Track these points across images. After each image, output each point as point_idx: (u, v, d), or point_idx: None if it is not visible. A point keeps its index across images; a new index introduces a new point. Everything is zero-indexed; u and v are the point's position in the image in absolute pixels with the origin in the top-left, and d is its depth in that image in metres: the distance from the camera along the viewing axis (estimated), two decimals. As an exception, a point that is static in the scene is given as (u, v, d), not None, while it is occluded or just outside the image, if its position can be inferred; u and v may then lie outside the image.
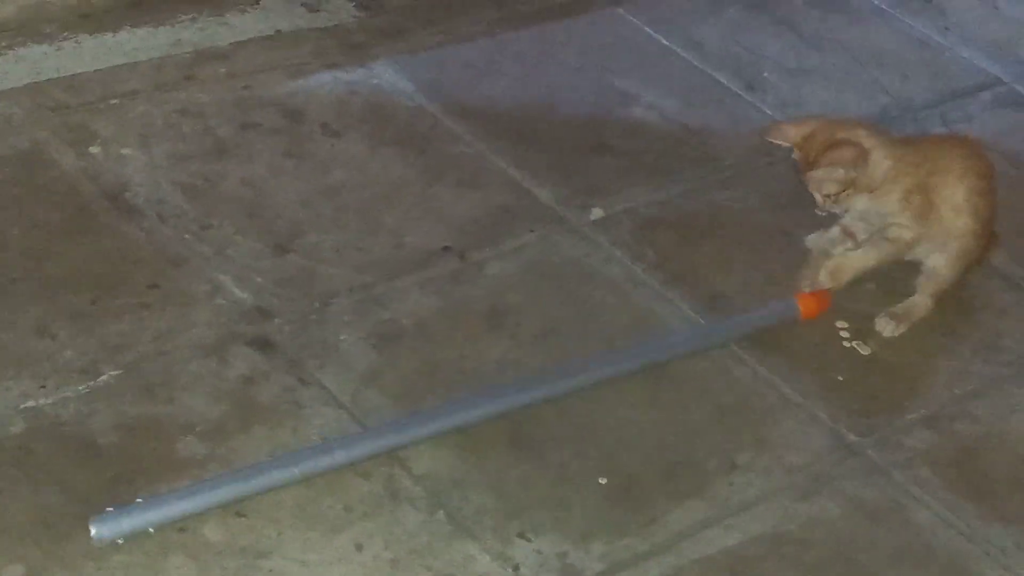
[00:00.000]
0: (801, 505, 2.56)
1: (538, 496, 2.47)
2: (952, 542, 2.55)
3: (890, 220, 2.91)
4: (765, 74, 3.68)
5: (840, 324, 2.96)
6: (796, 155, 2.88)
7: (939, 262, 2.96)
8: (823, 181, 2.84)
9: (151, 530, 2.25)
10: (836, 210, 2.91)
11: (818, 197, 2.88)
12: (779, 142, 2.90)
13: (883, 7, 4.10)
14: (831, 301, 2.94)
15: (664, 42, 3.74)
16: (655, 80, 3.60)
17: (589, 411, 2.65)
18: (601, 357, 2.75)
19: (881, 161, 2.86)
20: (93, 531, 2.20)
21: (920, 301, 2.98)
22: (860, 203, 2.88)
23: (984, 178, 2.95)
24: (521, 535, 2.39)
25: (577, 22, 3.76)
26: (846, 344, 2.92)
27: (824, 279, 2.93)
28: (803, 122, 2.91)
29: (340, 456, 2.41)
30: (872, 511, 2.58)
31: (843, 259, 2.94)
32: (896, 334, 2.94)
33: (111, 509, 2.25)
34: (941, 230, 2.92)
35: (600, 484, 2.51)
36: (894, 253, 2.94)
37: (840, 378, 2.83)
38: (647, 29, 3.78)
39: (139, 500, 2.28)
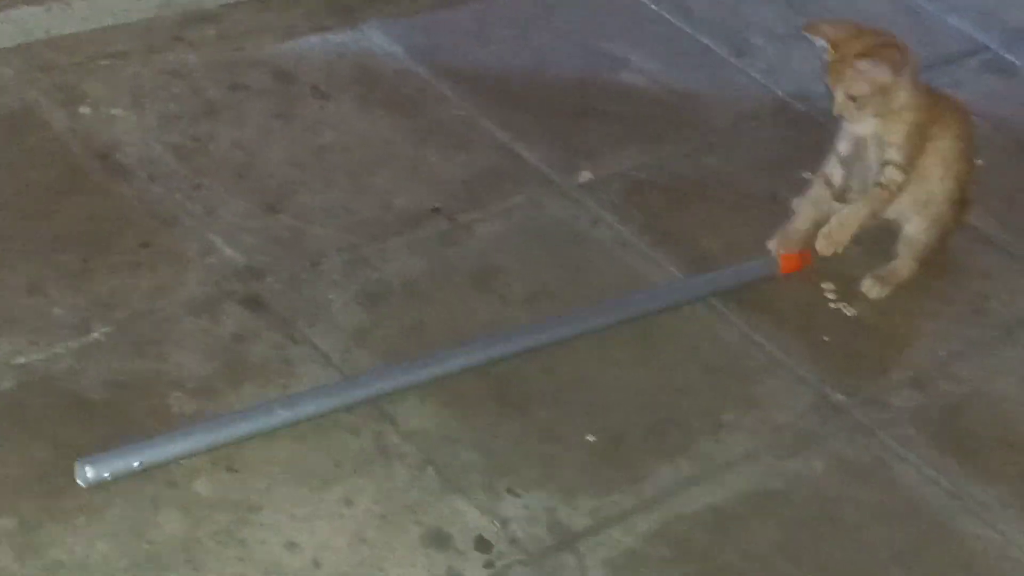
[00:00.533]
0: (786, 463, 2.59)
1: (526, 453, 2.49)
2: (936, 499, 2.58)
3: (886, 157, 2.87)
4: (753, 40, 3.69)
5: (826, 286, 2.98)
6: (828, 55, 2.81)
7: (918, 227, 2.97)
8: (858, 78, 2.77)
9: (136, 464, 2.27)
10: (848, 118, 2.84)
11: (840, 97, 2.80)
12: (816, 37, 2.83)
13: (871, -27, 4.11)
14: (812, 259, 2.96)
15: (653, 7, 3.75)
16: (643, 45, 3.61)
17: (577, 370, 2.67)
18: (582, 311, 2.78)
19: (903, 86, 2.83)
20: (79, 473, 2.24)
21: (903, 264, 3.01)
22: (868, 125, 2.85)
23: (970, 144, 2.97)
24: (510, 491, 2.41)
25: (567, -14, 3.77)
26: (832, 306, 2.94)
27: (822, 247, 2.89)
28: (842, 24, 2.87)
29: (325, 403, 2.44)
30: (857, 469, 2.61)
31: (837, 222, 2.89)
32: (882, 296, 2.96)
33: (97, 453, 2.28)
34: (923, 189, 2.92)
35: (588, 441, 2.54)
36: (886, 200, 2.89)
37: (826, 339, 2.86)
38: (636, -6, 3.79)
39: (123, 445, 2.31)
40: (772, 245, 2.98)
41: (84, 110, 2.96)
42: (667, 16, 3.73)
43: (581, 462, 2.50)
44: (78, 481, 2.25)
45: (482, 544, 2.32)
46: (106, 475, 2.26)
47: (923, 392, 2.79)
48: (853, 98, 2.80)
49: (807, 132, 3.33)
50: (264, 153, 2.97)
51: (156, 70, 3.11)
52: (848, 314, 2.93)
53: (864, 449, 2.65)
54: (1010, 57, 3.86)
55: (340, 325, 2.64)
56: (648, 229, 3.03)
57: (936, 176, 2.93)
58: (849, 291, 2.97)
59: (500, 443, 2.50)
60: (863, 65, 2.77)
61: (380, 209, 2.91)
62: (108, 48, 3.15)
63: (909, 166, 2.88)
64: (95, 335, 2.50)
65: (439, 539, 2.31)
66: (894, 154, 2.87)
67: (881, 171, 2.88)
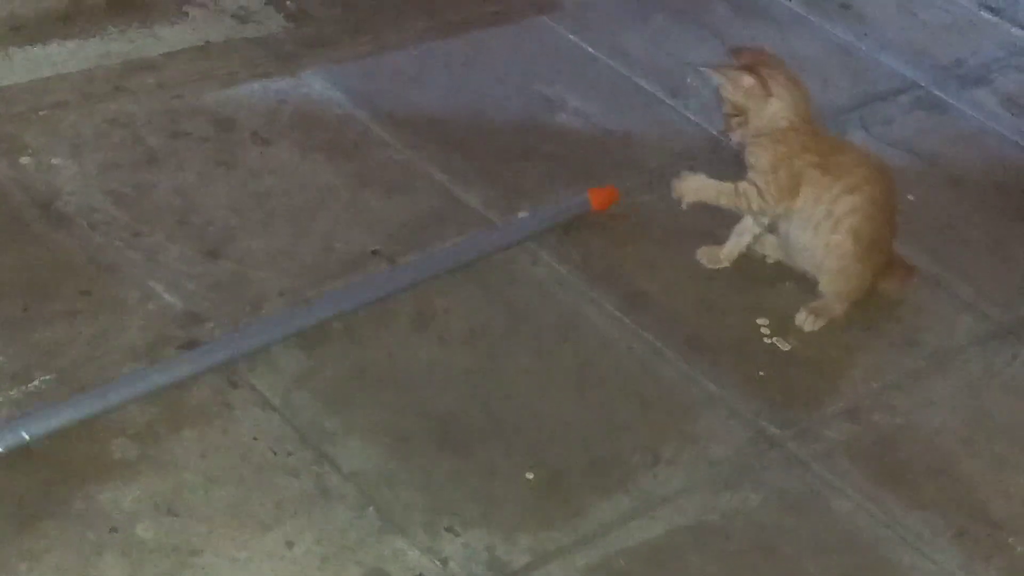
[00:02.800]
0: (723, 496, 2.63)
1: (466, 492, 2.52)
2: (871, 530, 2.62)
3: (749, 174, 3.00)
4: (689, 80, 3.75)
5: (761, 321, 3.03)
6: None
7: (821, 278, 3.04)
8: (721, 91, 2.98)
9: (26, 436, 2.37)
10: (728, 132, 3.02)
11: (723, 109, 3.02)
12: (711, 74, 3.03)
13: (803, 14, 4.20)
14: (620, 198, 3.19)
15: (589, 50, 3.81)
16: (580, 87, 3.67)
17: (515, 409, 2.70)
18: (414, 262, 2.96)
19: (775, 114, 2.97)
20: None
21: (834, 302, 3.06)
22: (745, 140, 3.00)
23: (877, 207, 2.99)
24: (449, 529, 2.44)
25: (504, 31, 3.82)
26: (767, 340, 3.00)
27: (675, 191, 3.08)
28: (760, 50, 3.08)
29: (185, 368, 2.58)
30: (793, 501, 2.65)
31: (693, 178, 3.07)
32: (815, 328, 3.01)
33: None
34: (819, 241, 2.98)
35: (527, 479, 2.57)
36: (732, 199, 3.02)
37: (761, 373, 2.91)
38: (572, 37, 3.85)
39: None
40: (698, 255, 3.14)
41: (24, 160, 2.98)
42: (604, 58, 3.79)
43: (520, 499, 2.53)
44: None
45: (423, 583, 2.35)
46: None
47: (858, 424, 2.84)
48: (730, 115, 2.98)
49: (743, 169, 3.37)
50: (205, 199, 3.00)
51: (97, 119, 3.14)
52: (783, 349, 2.98)
53: (800, 481, 2.70)
54: (940, 94, 3.94)
55: (280, 369, 2.67)
56: (586, 268, 3.07)
57: (825, 228, 2.97)
58: (784, 326, 3.02)
59: (440, 482, 2.53)
60: (719, 78, 2.97)
61: (321, 252, 2.95)
62: (48, 98, 3.17)
63: (771, 196, 2.97)
64: (36, 383, 2.51)
65: (380, 578, 2.34)
66: (754, 174, 2.99)
67: (748, 174, 3.01)
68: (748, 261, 3.14)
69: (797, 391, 2.89)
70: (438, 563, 2.38)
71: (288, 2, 3.70)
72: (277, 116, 3.29)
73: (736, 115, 2.99)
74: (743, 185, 3.02)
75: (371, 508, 2.45)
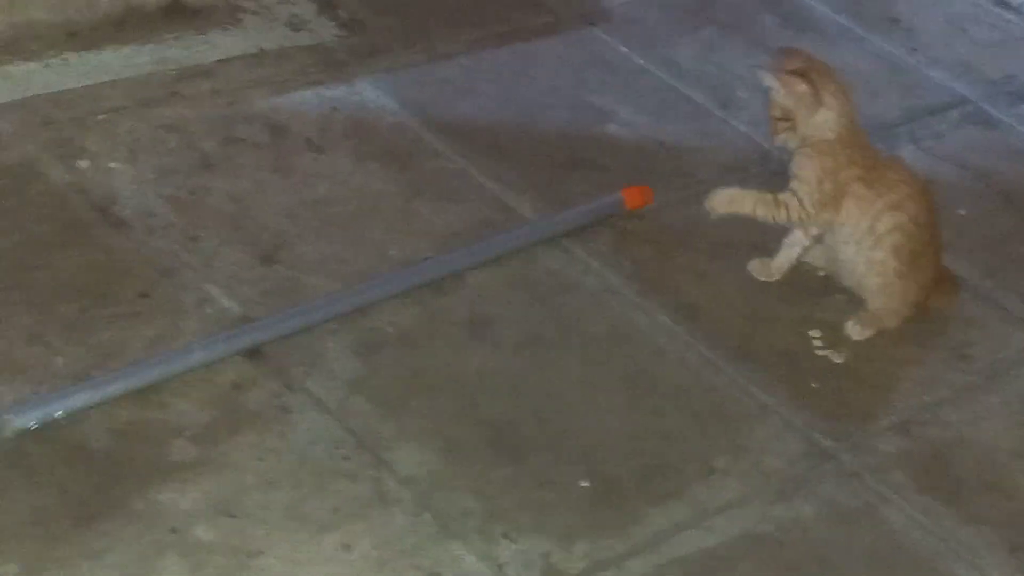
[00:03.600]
0: (777, 507, 2.63)
1: (521, 498, 2.53)
2: (924, 543, 2.62)
3: (792, 184, 3.00)
4: (738, 92, 3.76)
5: (813, 333, 3.03)
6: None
7: (864, 294, 3.04)
8: (772, 94, 2.98)
9: (58, 414, 2.42)
10: (775, 138, 3.03)
11: (770, 113, 3.03)
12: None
13: (851, 27, 4.20)
14: (654, 198, 3.22)
15: (639, 61, 3.82)
16: (630, 97, 3.67)
17: (568, 416, 2.71)
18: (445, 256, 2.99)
19: (823, 124, 2.96)
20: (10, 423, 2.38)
21: (884, 313, 3.06)
22: (789, 145, 3.00)
23: (919, 225, 2.98)
24: (505, 536, 2.45)
25: (553, 41, 3.84)
26: (819, 353, 2.99)
27: (708, 204, 3.07)
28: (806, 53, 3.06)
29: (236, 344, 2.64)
30: (846, 513, 2.65)
31: (728, 191, 3.07)
32: (863, 337, 3.01)
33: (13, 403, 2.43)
34: (860, 257, 2.98)
35: (581, 487, 2.57)
36: (772, 209, 3.01)
37: (814, 385, 2.91)
38: (622, 48, 3.86)
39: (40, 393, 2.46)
40: (750, 268, 3.13)
41: (82, 164, 3.01)
42: (653, 69, 3.80)
43: (575, 507, 2.54)
44: (5, 433, 2.37)
45: (479, 588, 2.36)
46: (32, 424, 2.39)
47: (910, 437, 2.84)
48: (778, 118, 2.97)
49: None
50: (260, 205, 3.02)
51: (153, 124, 3.16)
52: (835, 361, 2.98)
53: (853, 494, 2.69)
54: (990, 109, 3.93)
55: (336, 374, 2.68)
56: (636, 278, 3.08)
57: (867, 244, 2.97)
58: (836, 339, 3.02)
59: (495, 489, 2.54)
60: (772, 81, 2.96)
61: (374, 260, 2.96)
62: (105, 103, 3.19)
63: (813, 208, 2.97)
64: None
65: (436, 584, 2.35)
66: (797, 184, 2.99)
67: (790, 183, 3.00)
68: (799, 273, 3.14)
69: (850, 404, 2.89)
70: (495, 569, 2.39)
71: (340, 11, 3.72)
72: (330, 123, 3.31)
73: (784, 119, 2.99)
74: (784, 196, 3.02)
75: (427, 513, 2.45)
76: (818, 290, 3.12)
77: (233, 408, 2.55)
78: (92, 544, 2.26)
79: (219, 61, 3.42)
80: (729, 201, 3.07)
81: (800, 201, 2.99)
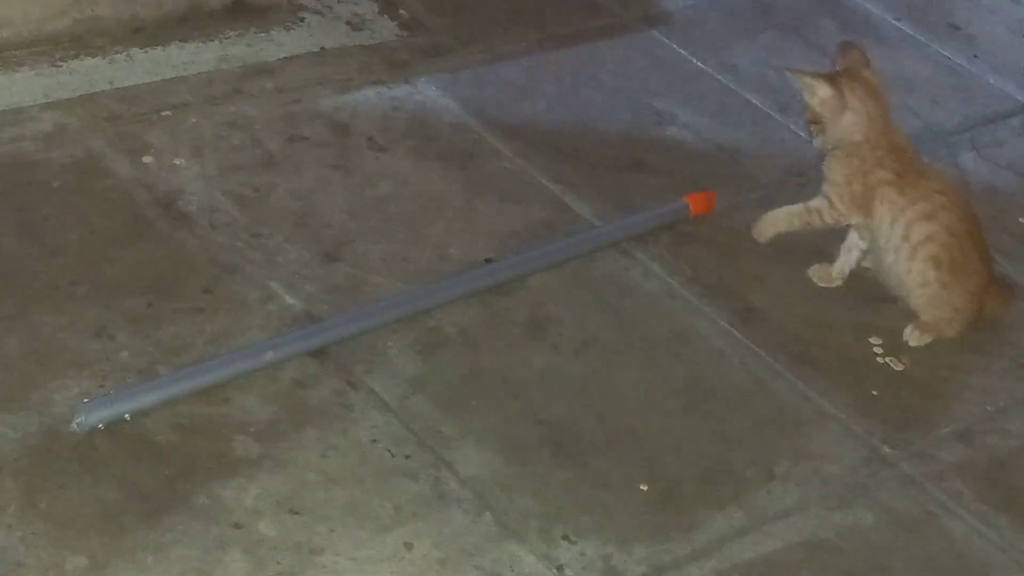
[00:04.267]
0: (837, 514, 2.62)
1: (581, 500, 2.53)
2: (984, 552, 2.61)
3: (823, 187, 3.05)
4: (798, 97, 3.73)
5: (873, 340, 3.02)
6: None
7: (913, 304, 3.03)
8: (804, 99, 3.04)
9: (127, 417, 2.43)
10: (815, 142, 3.07)
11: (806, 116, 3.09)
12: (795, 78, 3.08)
13: (912, 34, 4.18)
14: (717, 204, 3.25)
15: (699, 64, 3.82)
16: (689, 101, 3.67)
17: (628, 419, 2.71)
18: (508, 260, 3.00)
19: (850, 127, 2.99)
20: (76, 422, 2.40)
21: (941, 320, 3.05)
22: (825, 148, 3.05)
23: (956, 234, 2.97)
24: (565, 537, 2.45)
25: (614, 44, 3.84)
26: (880, 360, 2.98)
27: (754, 233, 3.16)
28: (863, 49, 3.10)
29: (305, 344, 2.66)
30: (906, 521, 2.64)
31: (765, 215, 3.14)
32: (921, 343, 3.00)
33: (87, 400, 2.44)
34: (900, 267, 2.99)
35: (641, 490, 2.58)
36: (806, 218, 3.09)
37: (874, 392, 2.90)
38: (682, 51, 3.85)
39: (112, 391, 2.48)
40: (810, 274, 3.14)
41: (147, 159, 3.03)
42: (712, 72, 3.79)
43: (635, 510, 2.54)
44: (73, 426, 2.40)
45: (539, 589, 2.36)
46: (100, 425, 2.41)
47: (971, 446, 2.83)
48: (809, 121, 3.03)
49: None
50: (322, 203, 3.03)
51: (217, 121, 3.18)
52: (896, 368, 2.97)
53: (914, 502, 2.68)
54: (1052, 117, 3.91)
55: (397, 372, 2.69)
56: (697, 281, 3.07)
57: (905, 254, 2.97)
58: (896, 346, 3.01)
59: (555, 490, 2.54)
60: (797, 79, 3.03)
61: (435, 259, 2.97)
62: (169, 99, 3.22)
63: (847, 207, 3.01)
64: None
65: (497, 584, 2.36)
66: (828, 185, 3.03)
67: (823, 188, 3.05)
68: (860, 279, 3.13)
69: (910, 411, 2.88)
70: (554, 570, 2.39)
71: (401, 11, 3.73)
72: (392, 123, 3.32)
73: (815, 122, 3.03)
74: (814, 201, 3.07)
75: (488, 513, 2.46)
76: (879, 296, 3.10)
77: (296, 405, 2.57)
78: (157, 538, 2.28)
79: (282, 59, 3.44)
80: (771, 224, 3.14)
81: (831, 202, 3.04)
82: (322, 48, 3.52)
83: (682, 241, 3.17)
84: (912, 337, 3.02)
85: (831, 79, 3.00)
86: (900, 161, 3.01)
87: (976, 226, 3.03)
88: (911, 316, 3.05)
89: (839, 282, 3.12)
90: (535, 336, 2.85)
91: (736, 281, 3.11)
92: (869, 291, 3.12)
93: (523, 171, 3.28)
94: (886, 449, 2.78)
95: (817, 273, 3.14)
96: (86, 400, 2.44)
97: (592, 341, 2.87)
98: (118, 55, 3.32)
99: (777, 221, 3.14)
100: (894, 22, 4.21)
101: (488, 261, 3.00)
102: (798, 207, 3.10)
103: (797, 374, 2.89)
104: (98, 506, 2.31)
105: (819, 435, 2.78)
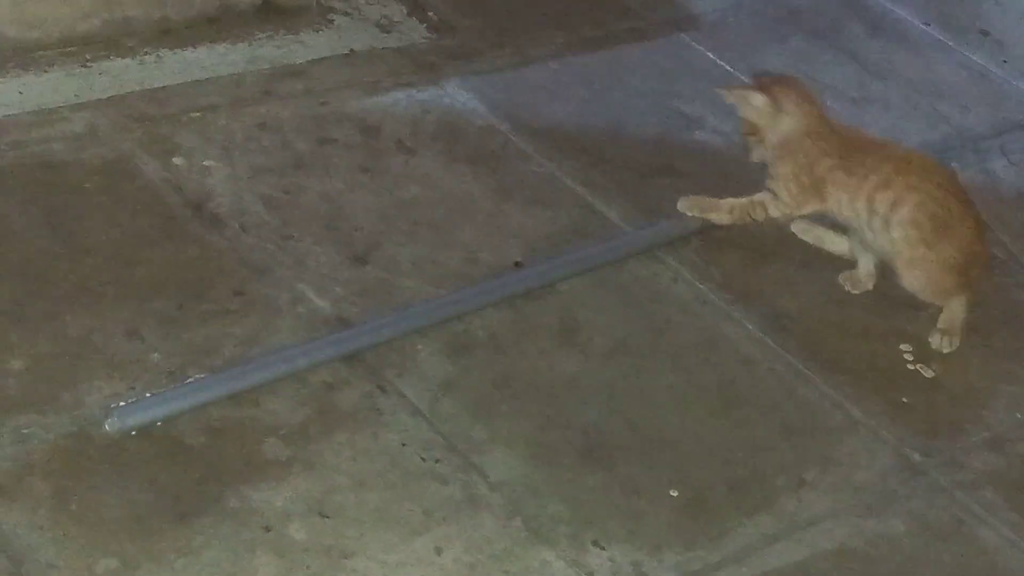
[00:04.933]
0: (868, 522, 2.61)
1: (611, 506, 2.52)
2: (1015, 561, 2.60)
3: (768, 183, 3.09)
4: (827, 101, 3.72)
5: (904, 347, 3.01)
6: None
7: (902, 278, 3.02)
8: (739, 112, 3.11)
9: (159, 424, 2.44)
10: (753, 156, 3.13)
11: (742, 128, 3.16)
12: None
13: (941, 39, 4.16)
14: None
15: (727, 68, 3.81)
16: (718, 105, 3.62)
17: (658, 425, 2.70)
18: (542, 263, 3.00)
19: (789, 127, 3.05)
20: (108, 424, 2.41)
21: (949, 307, 3.03)
22: (764, 159, 3.12)
23: (921, 193, 2.96)
24: (595, 543, 2.44)
25: (643, 48, 3.83)
26: (910, 367, 2.97)
27: (682, 206, 3.16)
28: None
29: (334, 350, 2.65)
30: (937, 530, 2.63)
31: (697, 197, 3.18)
32: (954, 348, 2.98)
33: (123, 404, 2.45)
34: (881, 242, 3.00)
35: (671, 496, 2.57)
36: (751, 212, 3.12)
37: (905, 400, 2.88)
38: (710, 55, 3.84)
39: (148, 395, 2.48)
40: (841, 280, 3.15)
41: (177, 161, 3.03)
42: (741, 76, 3.77)
43: (665, 516, 2.53)
44: (106, 427, 2.41)
45: (570, 595, 2.35)
46: (132, 432, 2.42)
47: (1002, 454, 2.81)
48: (746, 134, 3.10)
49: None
50: (352, 206, 3.03)
51: (247, 123, 3.18)
52: (926, 375, 2.95)
53: (944, 510, 2.67)
54: (1082, 122, 3.89)
55: (427, 376, 2.68)
56: (726, 287, 3.06)
57: (880, 228, 2.98)
58: (926, 352, 3.00)
59: (585, 496, 2.53)
60: (728, 95, 3.11)
61: (465, 262, 2.96)
62: (199, 101, 3.22)
63: (788, 197, 3.06)
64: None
65: (527, 589, 2.35)
66: (770, 183, 3.08)
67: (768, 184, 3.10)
68: (891, 286, 3.11)
69: (941, 419, 2.87)
70: (584, 576, 2.39)
71: (430, 13, 3.72)
72: (421, 125, 3.32)
73: (751, 134, 3.09)
74: (759, 196, 3.11)
75: (518, 518, 2.46)
76: (909, 303, 3.08)
77: (326, 408, 2.56)
78: (188, 541, 2.28)
79: (311, 61, 3.43)
80: (699, 206, 3.15)
81: (777, 196, 3.08)
82: (351, 50, 3.52)
83: (712, 246, 3.16)
84: (943, 344, 3.00)
85: (762, 87, 3.08)
86: (842, 145, 3.05)
87: (949, 183, 3.02)
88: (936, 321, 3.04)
89: (871, 284, 3.11)
90: (565, 341, 2.84)
91: (766, 287, 3.10)
92: (899, 298, 3.10)
93: (552, 175, 3.28)
94: (917, 457, 2.76)
95: (849, 280, 3.12)
96: (121, 403, 2.45)
97: (622, 346, 2.87)
98: (147, 56, 3.32)
99: (711, 207, 3.15)
100: (923, 26, 4.19)
101: (517, 265, 2.99)
102: (741, 200, 3.13)
103: (827, 381, 2.88)
104: (129, 508, 2.31)
105: (849, 442, 2.76)
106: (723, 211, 3.14)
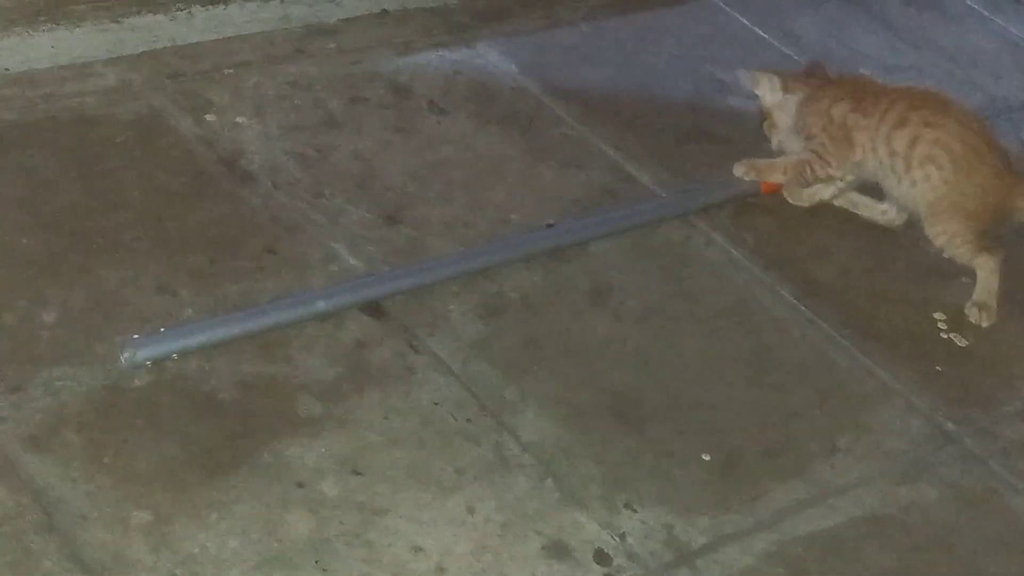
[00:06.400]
0: (900, 489, 2.60)
1: (643, 469, 2.51)
2: (1048, 531, 2.58)
3: (806, 144, 3.11)
4: (861, 69, 3.70)
5: (937, 316, 2.99)
6: None
7: (928, 224, 3.00)
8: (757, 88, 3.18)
9: (175, 356, 2.45)
10: (773, 143, 3.19)
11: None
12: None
13: (976, 7, 4.13)
14: None
15: (761, 33, 3.78)
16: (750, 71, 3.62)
17: (690, 389, 2.69)
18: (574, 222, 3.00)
19: (796, 102, 3.12)
20: (124, 355, 2.42)
21: (982, 278, 3.00)
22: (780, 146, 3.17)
23: (941, 129, 2.95)
24: (627, 505, 2.44)
25: (675, 11, 3.80)
26: (944, 336, 2.95)
27: (738, 171, 3.17)
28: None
29: (358, 295, 2.66)
30: (970, 498, 2.61)
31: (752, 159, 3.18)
32: (991, 321, 2.96)
33: (136, 336, 2.47)
34: (903, 188, 2.99)
35: (703, 460, 2.56)
36: (802, 172, 3.11)
37: (938, 368, 2.87)
38: (744, 20, 3.82)
39: (162, 329, 2.49)
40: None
41: (210, 117, 3.02)
42: (775, 43, 3.75)
43: (697, 480, 2.52)
44: (121, 358, 2.42)
45: (601, 557, 2.34)
46: (147, 362, 2.43)
47: (1036, 424, 2.80)
48: (762, 117, 3.15)
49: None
50: (384, 165, 3.02)
51: (278, 81, 3.16)
52: (960, 344, 2.93)
53: (977, 479, 2.65)
54: (1117, 94, 3.86)
55: (459, 335, 2.67)
56: (759, 252, 3.05)
57: (902, 170, 2.98)
58: (960, 321, 2.98)
59: (617, 458, 2.52)
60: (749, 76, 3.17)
61: (497, 223, 2.95)
62: (231, 58, 3.20)
63: (830, 154, 3.06)
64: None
65: (559, 550, 2.33)
66: (808, 143, 3.10)
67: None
68: (923, 254, 3.09)
69: (974, 388, 2.85)
70: (616, 538, 2.37)
71: (462, -27, 3.70)
72: (453, 86, 3.30)
73: (765, 119, 3.16)
74: (804, 155, 3.10)
75: (549, 479, 2.45)
76: (943, 272, 3.07)
77: (358, 366, 2.55)
78: (221, 495, 2.27)
79: (343, 20, 3.42)
80: (755, 169, 3.15)
81: (817, 154, 3.07)
82: (383, 10, 3.50)
83: (744, 211, 3.15)
84: (982, 318, 2.97)
85: (773, 73, 3.17)
86: (853, 89, 3.08)
87: (972, 123, 3.00)
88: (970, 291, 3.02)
89: (807, 204, 3.17)
90: (597, 303, 2.83)
91: (799, 253, 3.08)
92: (933, 266, 3.08)
93: (584, 137, 3.26)
94: (949, 425, 2.75)
95: (793, 194, 3.17)
96: (135, 336, 2.46)
97: (654, 309, 2.85)
98: (179, 12, 3.30)
99: (767, 170, 3.16)
100: (957, -4, 4.16)
101: (549, 226, 2.98)
102: (791, 159, 3.14)
103: (860, 348, 2.86)
104: (162, 462, 2.30)
105: (882, 409, 2.75)
106: (778, 171, 3.14)
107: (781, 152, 3.18)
